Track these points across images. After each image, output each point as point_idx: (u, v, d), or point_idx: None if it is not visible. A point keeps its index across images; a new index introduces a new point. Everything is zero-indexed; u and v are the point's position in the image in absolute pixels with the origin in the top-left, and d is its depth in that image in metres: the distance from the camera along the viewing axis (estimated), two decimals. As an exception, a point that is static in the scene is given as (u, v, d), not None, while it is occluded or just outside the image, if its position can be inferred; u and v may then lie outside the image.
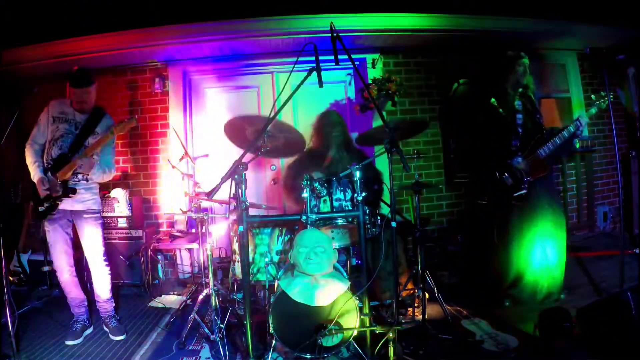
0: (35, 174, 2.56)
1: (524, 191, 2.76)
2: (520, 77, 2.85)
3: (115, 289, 2.83)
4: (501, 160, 2.84)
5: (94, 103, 2.68)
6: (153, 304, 3.31)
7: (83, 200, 2.65)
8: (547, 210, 2.79)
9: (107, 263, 2.73)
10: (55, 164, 2.54)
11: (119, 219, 3.67)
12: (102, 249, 2.71)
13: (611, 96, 2.65)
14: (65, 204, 2.58)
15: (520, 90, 2.87)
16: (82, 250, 2.74)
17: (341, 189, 2.41)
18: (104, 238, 2.76)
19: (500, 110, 2.84)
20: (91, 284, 2.77)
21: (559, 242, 2.79)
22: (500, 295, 2.87)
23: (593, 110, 2.70)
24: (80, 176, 2.61)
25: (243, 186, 2.04)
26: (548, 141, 2.73)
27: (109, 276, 2.75)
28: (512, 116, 2.81)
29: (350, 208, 2.36)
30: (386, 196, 2.83)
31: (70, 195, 2.54)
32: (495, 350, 2.27)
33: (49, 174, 2.54)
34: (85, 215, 2.66)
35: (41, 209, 2.55)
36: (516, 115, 2.81)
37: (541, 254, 2.78)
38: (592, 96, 2.74)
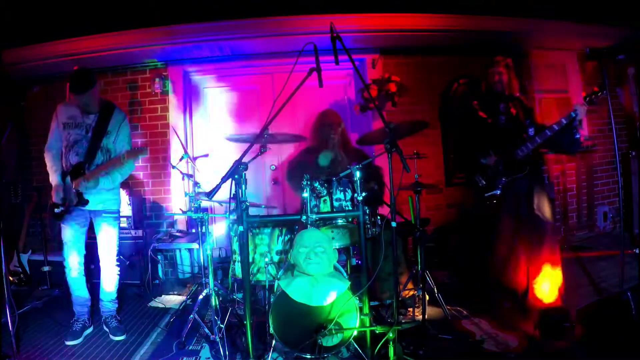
0: (52, 179, 2.58)
1: (496, 192, 2.70)
2: (498, 82, 2.80)
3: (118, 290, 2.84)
4: (476, 161, 2.82)
5: (99, 100, 2.65)
6: (153, 304, 3.31)
7: (103, 200, 2.66)
8: (530, 212, 2.70)
9: (118, 263, 2.75)
10: (73, 169, 2.54)
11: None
12: (116, 248, 2.72)
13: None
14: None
15: (507, 93, 2.82)
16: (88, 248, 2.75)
17: (341, 189, 2.40)
18: (119, 238, 2.77)
19: (482, 112, 2.81)
20: (93, 285, 2.77)
21: (548, 244, 2.70)
22: (498, 297, 2.85)
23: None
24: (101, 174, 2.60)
25: (243, 186, 2.04)
26: (528, 141, 2.67)
27: (118, 276, 2.76)
28: (494, 118, 2.78)
29: (350, 208, 2.36)
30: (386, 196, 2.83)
31: (83, 205, 2.55)
32: (495, 350, 2.27)
33: (68, 178, 2.54)
34: (104, 214, 2.67)
35: (57, 210, 2.56)
36: (499, 117, 2.78)
37: (530, 257, 2.69)
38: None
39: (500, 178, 2.71)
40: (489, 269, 2.95)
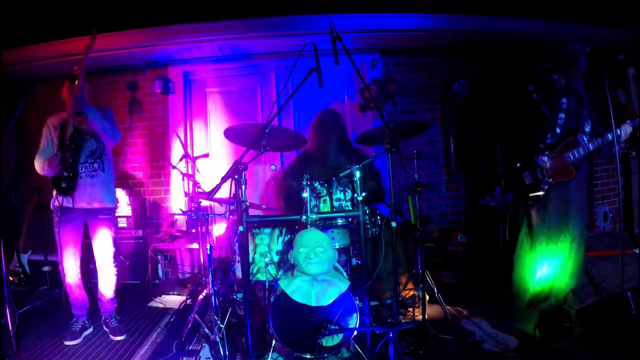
0: (47, 157, 2.55)
1: (540, 192, 2.57)
2: (580, 74, 2.61)
3: (117, 289, 2.83)
4: (527, 157, 2.63)
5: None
6: (153, 304, 3.31)
7: (100, 198, 2.64)
8: (566, 218, 2.58)
9: (116, 263, 2.74)
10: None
11: (119, 219, 3.67)
12: (112, 249, 2.72)
13: None
14: (82, 202, 2.58)
15: (568, 86, 2.62)
16: (85, 249, 2.74)
17: (341, 189, 2.40)
18: (116, 238, 2.77)
19: (544, 107, 2.61)
20: (92, 285, 2.77)
21: (575, 254, 2.60)
22: (504, 299, 2.81)
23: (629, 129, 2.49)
24: (96, 165, 2.61)
25: (243, 186, 2.04)
26: (581, 146, 2.51)
27: (116, 276, 2.75)
28: (554, 116, 2.59)
29: (350, 208, 2.36)
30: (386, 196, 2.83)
31: (72, 147, 2.52)
32: (495, 350, 2.28)
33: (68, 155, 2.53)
34: (101, 216, 2.67)
35: (64, 184, 2.52)
36: (559, 114, 2.58)
37: (552, 263, 2.57)
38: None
39: (548, 179, 2.57)
40: (493, 270, 2.90)
